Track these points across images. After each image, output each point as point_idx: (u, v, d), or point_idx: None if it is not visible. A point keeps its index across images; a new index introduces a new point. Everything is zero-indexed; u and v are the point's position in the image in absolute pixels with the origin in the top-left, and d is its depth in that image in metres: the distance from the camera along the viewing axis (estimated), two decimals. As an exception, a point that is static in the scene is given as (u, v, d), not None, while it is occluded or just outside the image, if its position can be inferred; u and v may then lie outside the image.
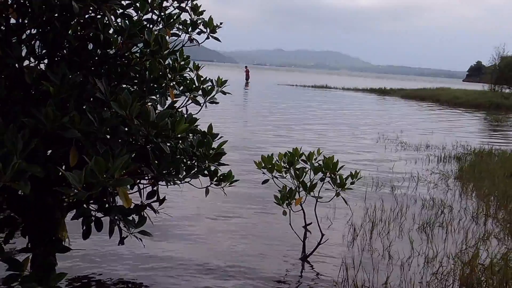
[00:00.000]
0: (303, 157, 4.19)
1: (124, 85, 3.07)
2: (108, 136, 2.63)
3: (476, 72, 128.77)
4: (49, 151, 2.68)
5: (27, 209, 2.85)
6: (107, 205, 2.76)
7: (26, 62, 2.96)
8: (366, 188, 6.84)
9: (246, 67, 45.54)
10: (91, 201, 2.77)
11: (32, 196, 2.55)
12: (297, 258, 4.23)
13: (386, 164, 9.02)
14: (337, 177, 4.05)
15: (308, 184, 4.05)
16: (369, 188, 6.91)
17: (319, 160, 4.15)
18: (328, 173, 4.07)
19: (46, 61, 3.04)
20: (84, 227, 2.69)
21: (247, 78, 41.85)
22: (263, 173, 4.21)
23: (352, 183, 4.08)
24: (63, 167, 2.76)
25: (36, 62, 3.02)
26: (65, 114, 2.40)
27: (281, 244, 4.53)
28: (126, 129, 2.74)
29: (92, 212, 2.80)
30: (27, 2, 2.84)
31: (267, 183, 4.16)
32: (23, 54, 2.87)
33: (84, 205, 2.86)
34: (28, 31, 2.93)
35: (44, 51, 3.05)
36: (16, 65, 2.79)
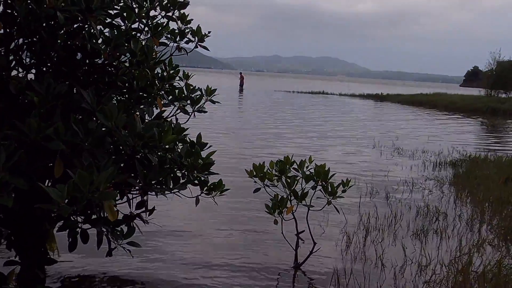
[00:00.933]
0: (295, 165, 4.16)
1: (113, 95, 3.06)
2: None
3: (473, 77, 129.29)
4: (35, 163, 2.66)
5: (15, 221, 2.82)
6: (94, 216, 2.74)
7: (14, 73, 2.95)
8: (361, 195, 6.82)
9: (240, 73, 45.10)
10: (78, 213, 2.75)
11: (18, 208, 2.52)
12: (289, 267, 4.20)
13: (381, 170, 9.00)
14: (328, 185, 4.03)
15: (300, 192, 4.03)
16: (364, 195, 6.89)
17: (311, 168, 4.13)
18: (319, 181, 4.05)
19: (34, 71, 3.03)
20: (70, 239, 2.67)
21: (242, 84, 41.39)
22: (255, 181, 4.18)
23: (343, 191, 4.06)
24: (50, 179, 2.74)
25: (24, 72, 3.01)
26: (50, 125, 2.38)
27: (273, 253, 4.49)
28: (115, 138, 2.72)
29: (79, 223, 2.78)
30: (14, 12, 2.83)
31: (258, 192, 4.13)
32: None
33: (72, 217, 2.83)
34: (16, 41, 2.92)
35: (32, 61, 3.04)
36: (3, 74, 2.78)
